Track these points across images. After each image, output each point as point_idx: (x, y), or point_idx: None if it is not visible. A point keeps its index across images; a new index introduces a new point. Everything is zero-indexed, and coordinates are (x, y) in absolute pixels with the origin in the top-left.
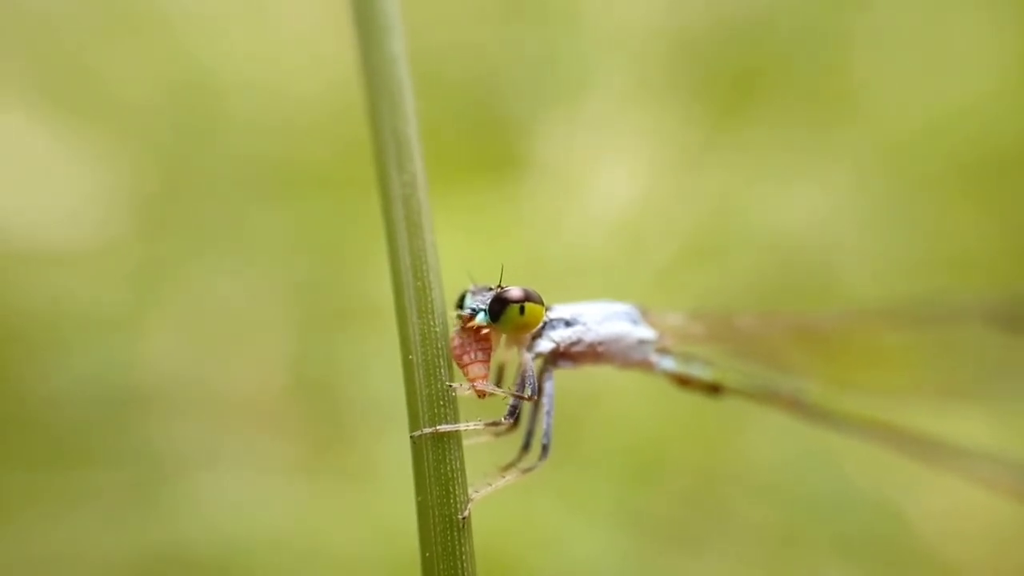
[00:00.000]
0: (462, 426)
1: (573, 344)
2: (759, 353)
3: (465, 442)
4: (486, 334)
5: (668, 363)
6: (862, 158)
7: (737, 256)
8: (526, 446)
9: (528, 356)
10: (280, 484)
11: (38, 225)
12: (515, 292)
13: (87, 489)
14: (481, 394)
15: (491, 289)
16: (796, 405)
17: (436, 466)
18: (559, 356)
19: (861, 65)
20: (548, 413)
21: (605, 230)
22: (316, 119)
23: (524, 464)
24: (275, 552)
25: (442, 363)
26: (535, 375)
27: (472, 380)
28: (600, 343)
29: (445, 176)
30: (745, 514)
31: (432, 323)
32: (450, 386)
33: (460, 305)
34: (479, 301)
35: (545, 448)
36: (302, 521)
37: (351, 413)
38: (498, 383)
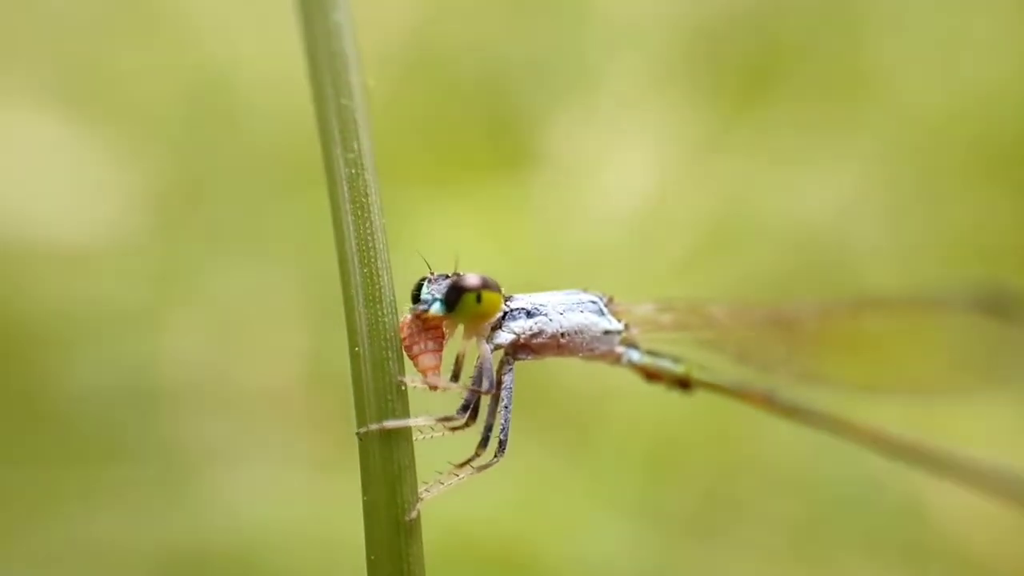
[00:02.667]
0: (411, 421)
1: (535, 335)
2: (733, 345)
3: (417, 438)
4: (438, 323)
5: (635, 355)
6: (883, 145)
7: (755, 245)
8: (484, 442)
9: (486, 348)
10: (300, 477)
11: (59, 223)
12: (472, 280)
13: (111, 483)
14: (432, 387)
15: (448, 277)
16: (768, 401)
17: (382, 464)
18: (520, 348)
19: (880, 50)
20: (506, 407)
21: (621, 221)
22: None
23: (479, 461)
24: (295, 544)
25: (391, 355)
26: (492, 368)
27: (422, 371)
28: (563, 334)
29: (458, 170)
30: (766, 508)
31: (380, 312)
32: (400, 381)
33: (417, 293)
34: (435, 290)
35: (502, 444)
36: (322, 513)
37: None
38: (456, 376)
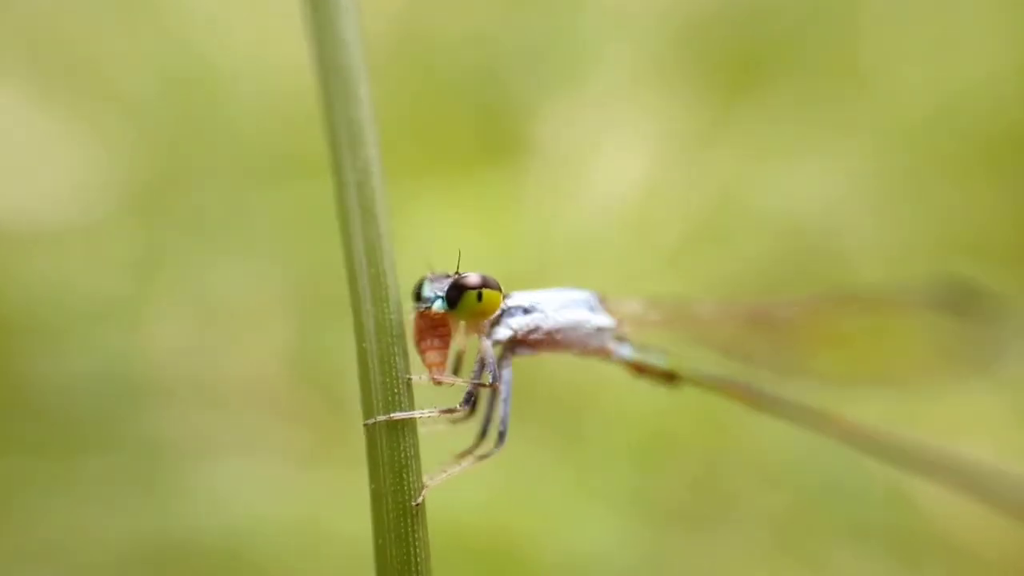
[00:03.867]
0: (416, 413)
1: (531, 331)
2: (718, 340)
3: (421, 429)
4: (445, 321)
5: (625, 351)
6: (874, 139)
7: (745, 237)
8: (483, 433)
9: (487, 343)
10: (285, 471)
11: (37, 211)
12: (472, 278)
13: (92, 475)
14: (437, 382)
15: (449, 276)
16: (753, 395)
17: (390, 454)
18: (517, 343)
19: (872, 44)
20: (505, 400)
21: (613, 214)
22: (314, 106)
23: (480, 451)
24: (281, 537)
25: (397, 352)
26: (494, 362)
27: (428, 367)
28: (558, 330)
29: (449, 163)
30: (755, 499)
31: (387, 311)
32: (408, 378)
33: (418, 292)
34: (436, 288)
35: (502, 435)
36: (307, 507)
37: (355, 399)
38: (456, 370)
